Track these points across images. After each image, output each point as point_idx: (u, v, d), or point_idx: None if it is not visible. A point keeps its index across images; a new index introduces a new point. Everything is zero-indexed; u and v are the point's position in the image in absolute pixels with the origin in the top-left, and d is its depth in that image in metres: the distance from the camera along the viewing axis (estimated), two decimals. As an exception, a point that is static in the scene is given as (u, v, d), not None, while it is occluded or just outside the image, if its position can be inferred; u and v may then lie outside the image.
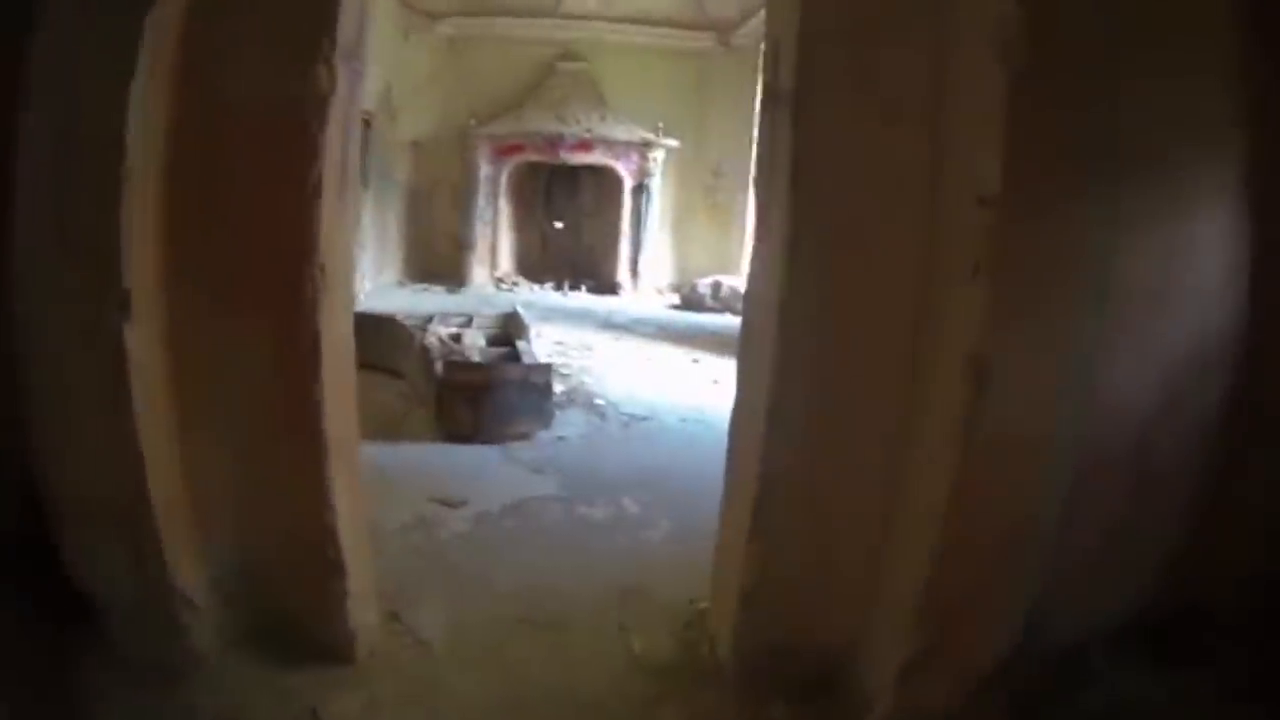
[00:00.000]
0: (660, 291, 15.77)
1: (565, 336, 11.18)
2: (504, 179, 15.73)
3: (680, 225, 16.26)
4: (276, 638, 3.29)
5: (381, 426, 7.18)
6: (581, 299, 15.10)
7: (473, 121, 15.37)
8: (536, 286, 15.77)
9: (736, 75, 15.31)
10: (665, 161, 15.62)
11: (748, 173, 14.74)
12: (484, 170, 15.54)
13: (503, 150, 15.55)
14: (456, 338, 8.68)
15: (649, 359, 10.13)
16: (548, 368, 7.13)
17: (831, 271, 2.96)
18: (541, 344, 10.13)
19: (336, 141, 2.77)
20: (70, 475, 2.90)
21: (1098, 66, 2.57)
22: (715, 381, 9.00)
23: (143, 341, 2.68)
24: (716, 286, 13.90)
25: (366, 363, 8.88)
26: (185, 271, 2.78)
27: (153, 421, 2.76)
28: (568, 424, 7.28)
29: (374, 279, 14.20)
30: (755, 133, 13.62)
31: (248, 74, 2.68)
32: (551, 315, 12.88)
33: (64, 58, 2.60)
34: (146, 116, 2.57)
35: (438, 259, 16.05)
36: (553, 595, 4.40)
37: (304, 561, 3.15)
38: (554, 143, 15.25)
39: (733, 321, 12.77)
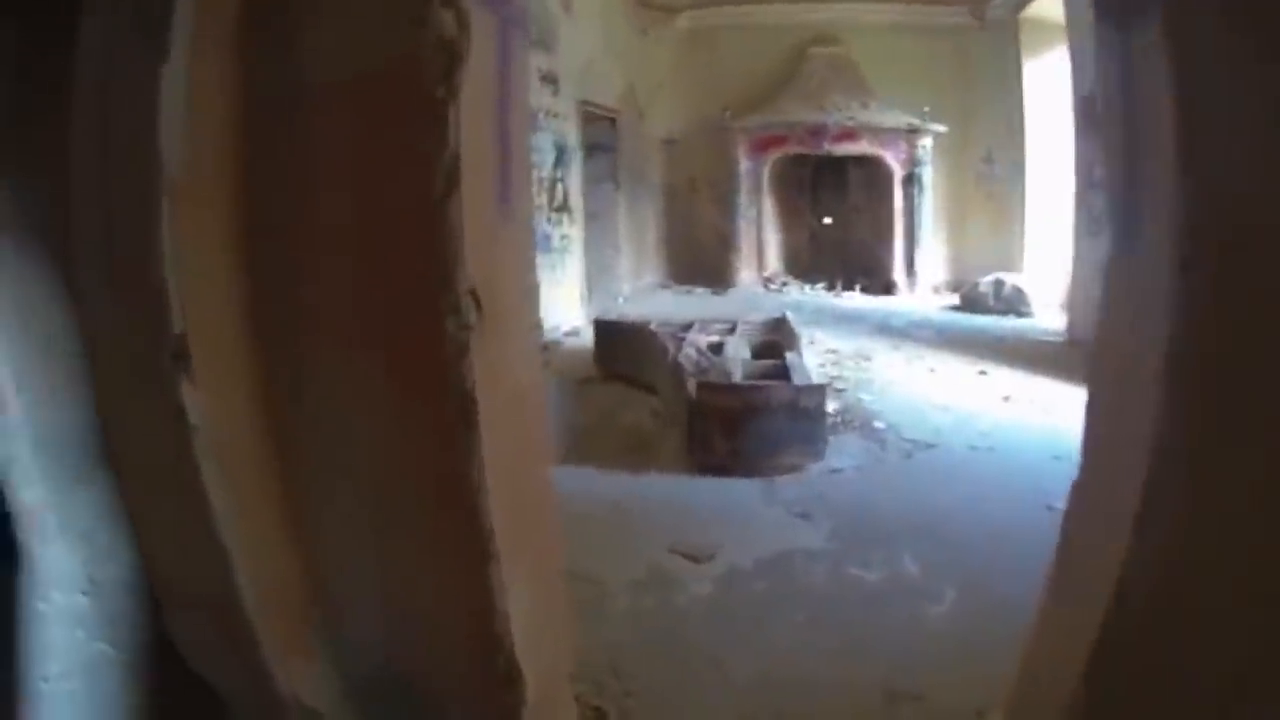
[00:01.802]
0: (936, 290, 14.47)
1: (839, 344, 10.15)
2: (765, 174, 14.89)
3: (953, 218, 14.91)
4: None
5: (628, 451, 6.47)
6: (854, 300, 14.04)
7: (727, 114, 14.57)
8: (806, 287, 14.84)
9: (996, 52, 13.95)
10: (932, 149, 14.27)
11: (1020, 159, 13.35)
12: (743, 165, 14.76)
13: (762, 143, 14.72)
14: (717, 348, 7.82)
15: (931, 370, 8.95)
16: (821, 389, 6.14)
17: (1247, 300, 1.81)
18: (813, 353, 9.16)
19: (483, 120, 1.92)
20: (153, 554, 2.20)
21: None
22: (1006, 399, 7.78)
23: (215, 399, 1.91)
24: (998, 285, 12.47)
25: (618, 375, 8.35)
26: (275, 308, 1.99)
27: (236, 496, 2.00)
28: (842, 453, 6.27)
29: (633, 282, 13.65)
30: (1024, 113, 12.04)
31: (339, 37, 1.85)
32: (823, 318, 11.92)
33: (103, 44, 1.87)
34: (193, 110, 1.80)
35: (701, 260, 15.43)
36: (804, 691, 3.50)
37: (467, 671, 2.31)
38: (816, 133, 14.28)
39: (1017, 325, 11.40)
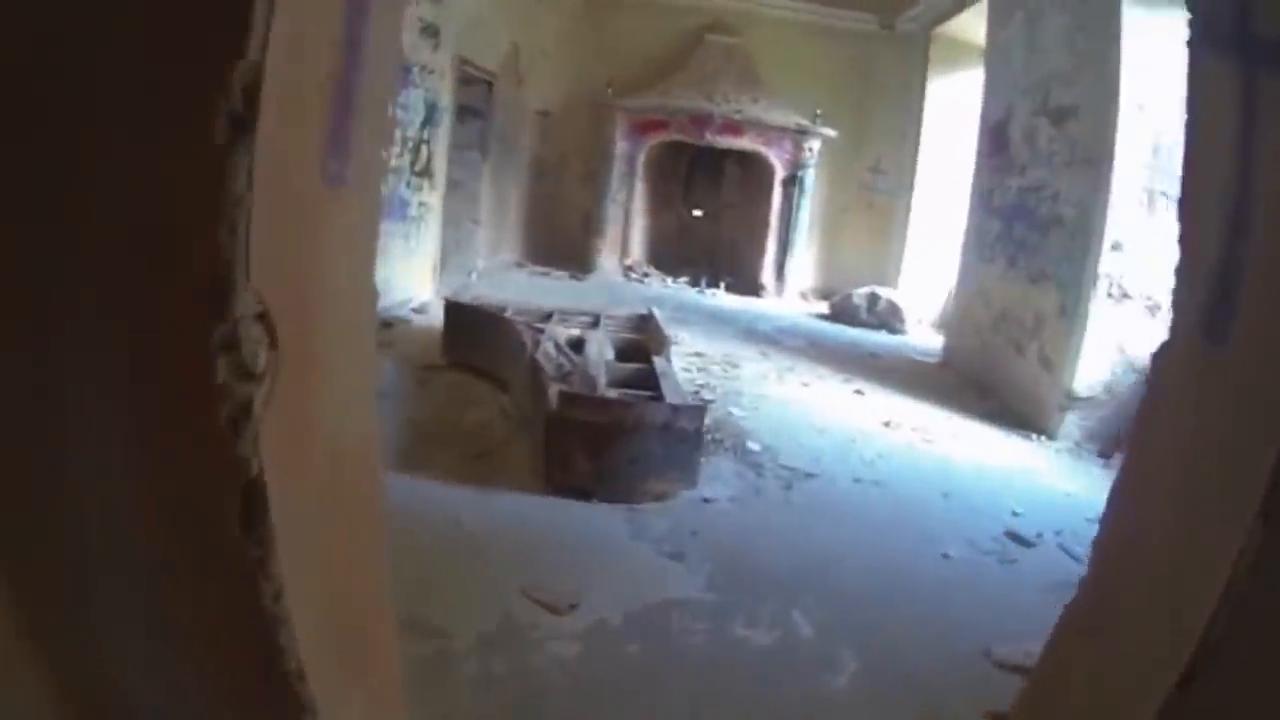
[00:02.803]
0: (804, 296, 14.07)
1: (704, 346, 9.55)
2: (641, 158, 14.18)
3: (830, 225, 14.58)
4: None
5: (473, 458, 5.68)
6: (719, 298, 13.48)
7: (610, 92, 13.81)
8: (670, 279, 14.22)
9: (900, 64, 13.69)
10: (820, 153, 13.81)
11: (909, 173, 13.07)
12: (620, 147, 14.06)
13: (642, 126, 14.04)
14: (578, 345, 7.09)
15: (804, 385, 8.40)
16: (700, 410, 5.46)
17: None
18: (677, 355, 8.50)
19: (315, 41, 1.15)
20: None
21: None
22: (887, 424, 7.28)
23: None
24: (873, 299, 12.10)
25: (466, 365, 7.53)
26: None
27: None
28: (715, 478, 5.62)
29: (489, 258, 12.81)
30: (921, 129, 11.72)
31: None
32: (686, 316, 11.32)
33: None
34: None
35: (562, 240, 14.73)
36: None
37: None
38: (700, 122, 13.68)
39: (890, 341, 11.03)
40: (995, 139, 9.19)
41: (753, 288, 13.96)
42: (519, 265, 14.20)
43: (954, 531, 5.25)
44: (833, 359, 9.62)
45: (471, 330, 7.62)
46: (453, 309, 7.86)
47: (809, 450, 6.40)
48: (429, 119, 9.42)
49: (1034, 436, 7.25)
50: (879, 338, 11.35)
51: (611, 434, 5.02)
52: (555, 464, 5.18)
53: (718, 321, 11.34)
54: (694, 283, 14.05)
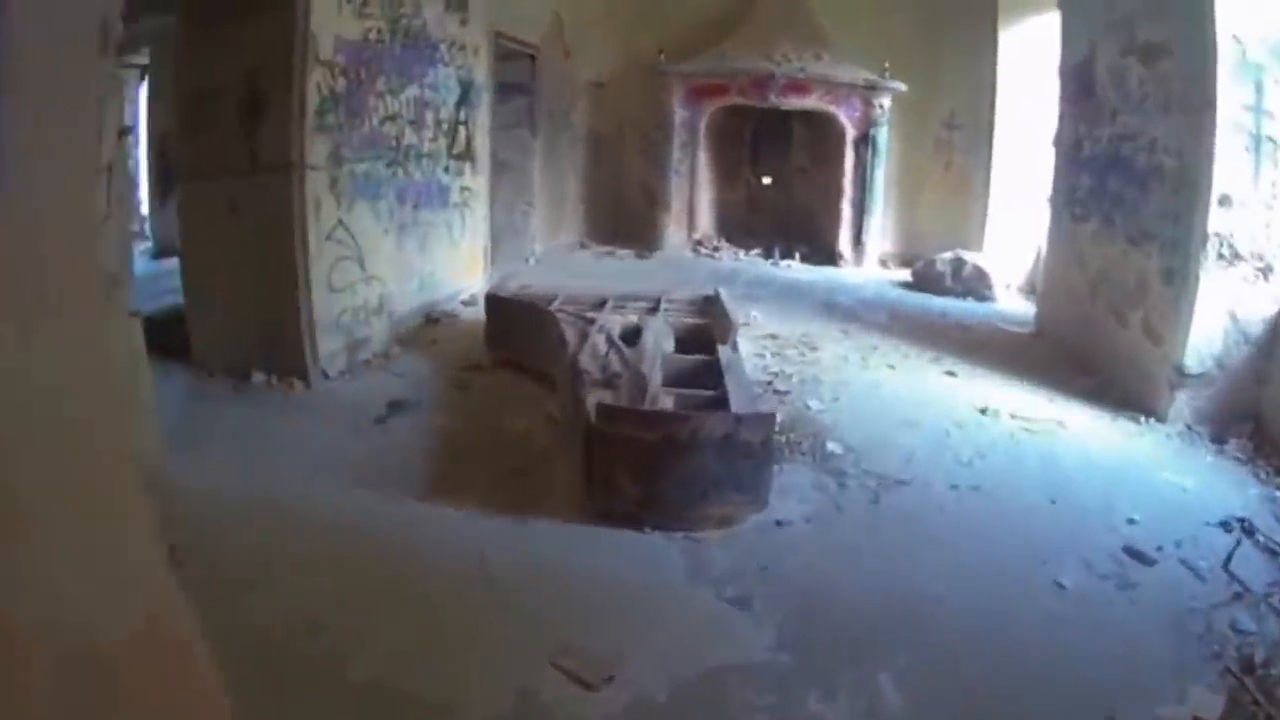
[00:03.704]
0: (884, 264, 13.06)
1: (779, 326, 8.68)
2: (702, 126, 13.27)
3: (907, 186, 13.45)
4: None
5: (512, 475, 4.97)
6: (794, 270, 12.53)
7: (663, 58, 12.96)
8: (741, 253, 13.34)
9: (970, 10, 12.35)
10: (890, 110, 12.76)
11: (987, 126, 11.95)
12: (679, 115, 13.17)
13: (700, 92, 13.11)
14: (632, 337, 6.30)
15: (890, 367, 7.51)
16: (769, 420, 4.59)
17: None
18: (748, 338, 7.74)
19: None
20: None
21: None
22: (984, 411, 6.38)
23: None
24: (958, 264, 11.05)
25: (512, 363, 6.80)
26: None
27: None
28: (789, 492, 4.82)
29: (547, 241, 12.10)
30: (997, 78, 10.60)
31: None
32: (760, 291, 10.49)
33: None
34: None
35: (626, 218, 13.98)
36: None
37: None
38: (761, 83, 12.68)
39: (978, 310, 10.13)
40: (1078, 83, 8.14)
41: (829, 256, 12.99)
42: (582, 246, 13.44)
43: (1066, 548, 4.40)
44: (919, 334, 8.68)
45: (515, 325, 6.88)
46: (494, 301, 7.12)
47: (898, 450, 5.55)
48: (464, 98, 8.67)
49: (1142, 419, 6.29)
50: (966, 306, 10.32)
51: (661, 452, 4.24)
52: (597, 488, 4.42)
53: (793, 296, 10.46)
54: (767, 254, 13.12)
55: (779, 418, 5.86)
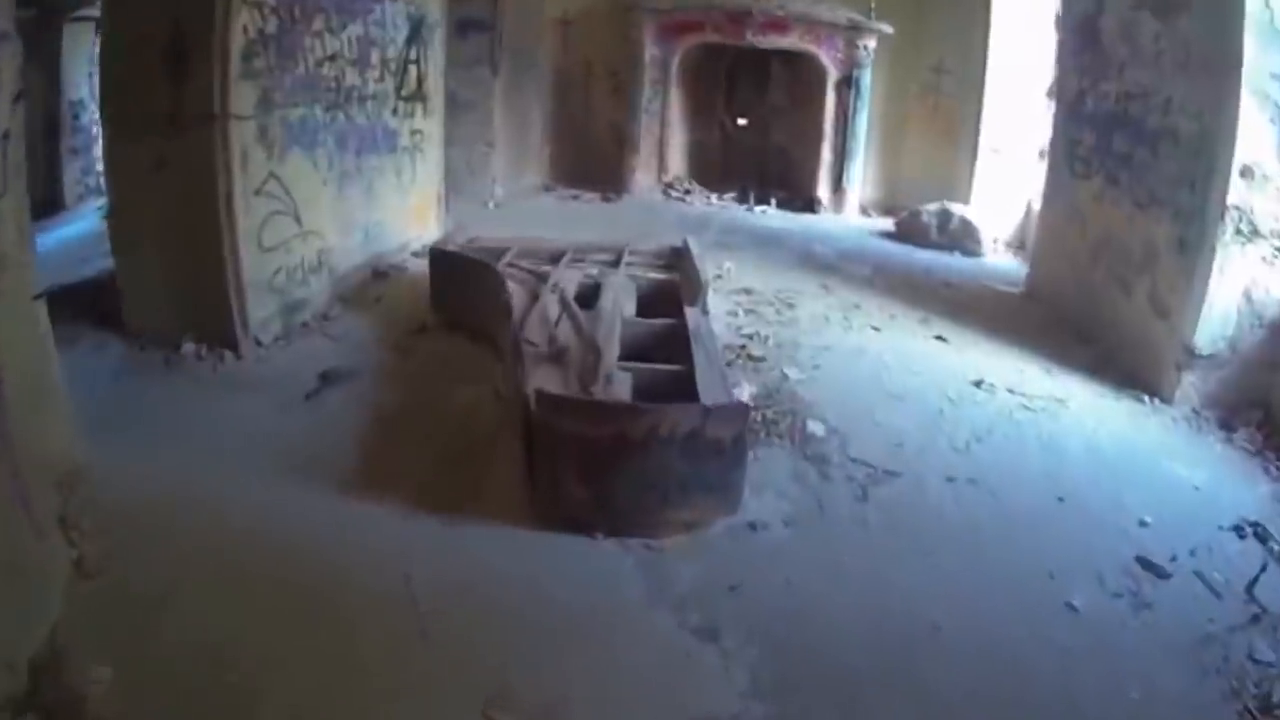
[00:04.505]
0: (865, 211, 12.42)
1: (755, 279, 8.07)
2: (674, 64, 12.51)
3: (890, 132, 12.77)
4: None
5: (449, 463, 4.41)
6: (770, 216, 11.88)
7: (635, -8, 12.20)
8: (714, 197, 12.65)
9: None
10: (875, 52, 12.06)
11: (977, 74, 11.23)
12: (650, 52, 12.42)
13: (673, 28, 12.37)
14: (590, 296, 5.72)
15: (875, 329, 6.92)
16: (741, 412, 3.98)
17: None
18: (722, 294, 7.20)
19: None
20: None
21: None
22: (978, 385, 5.83)
23: None
24: (945, 216, 10.41)
25: (459, 325, 6.19)
26: None
27: None
28: (766, 484, 4.26)
29: (509, 183, 11.45)
30: (990, 21, 9.91)
31: None
32: (733, 240, 9.88)
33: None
34: None
35: (593, 159, 13.24)
36: None
37: None
38: (739, 20, 11.99)
39: (965, 265, 9.61)
40: (1082, 34, 7.51)
41: (807, 203, 12.33)
42: (546, 189, 12.75)
43: (1076, 559, 3.92)
44: (905, 291, 8.09)
45: (461, 283, 6.25)
46: (439, 258, 6.48)
47: (887, 431, 4.98)
48: (415, 35, 7.95)
49: (1146, 399, 5.78)
50: (952, 261, 9.71)
51: (614, 451, 3.65)
52: (542, 488, 3.83)
53: (769, 245, 9.85)
54: (742, 199, 12.48)
55: (752, 390, 5.31)
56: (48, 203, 9.32)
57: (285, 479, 4.28)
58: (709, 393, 4.05)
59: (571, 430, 3.64)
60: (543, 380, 4.06)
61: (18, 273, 3.76)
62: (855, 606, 3.44)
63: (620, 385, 4.30)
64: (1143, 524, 4.24)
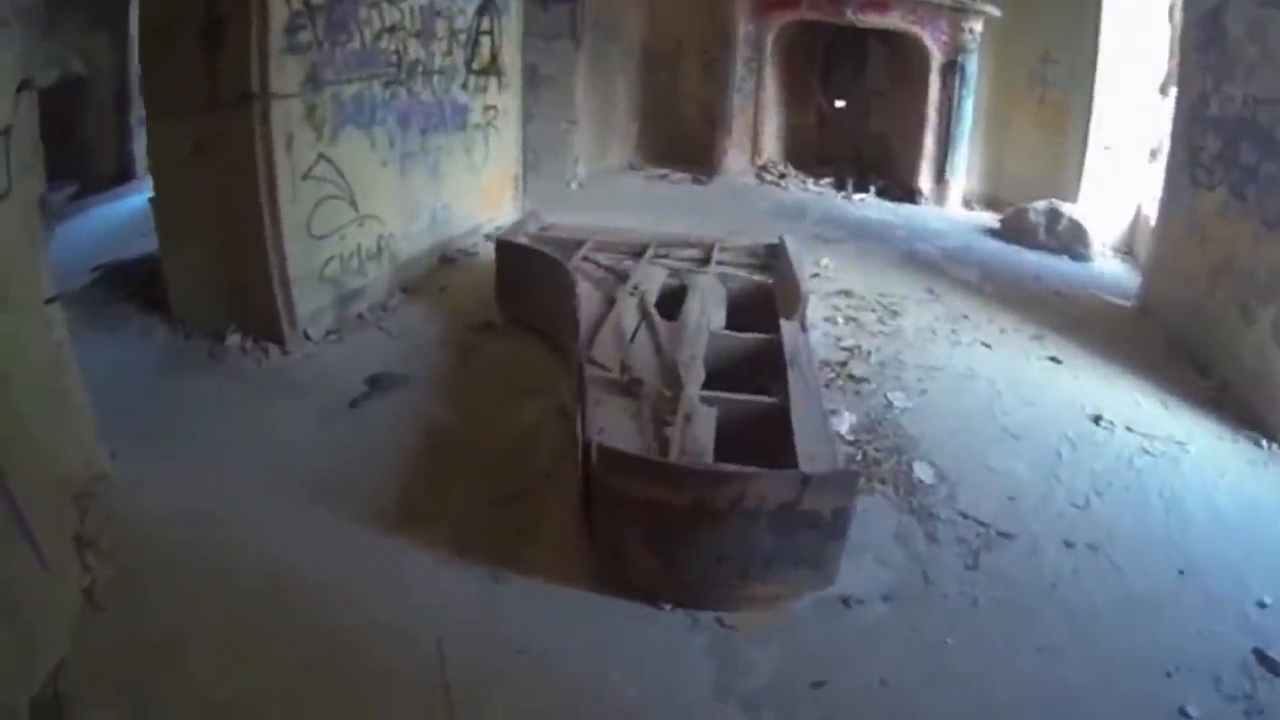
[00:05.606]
0: (969, 204, 11.61)
1: (855, 280, 7.42)
2: (769, 41, 11.81)
3: (995, 122, 11.86)
4: None
5: (503, 502, 3.92)
6: (869, 206, 11.15)
7: (725, -35, 11.56)
8: (810, 182, 11.94)
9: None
10: (981, 36, 11.24)
11: (1088, 65, 10.29)
12: (743, 29, 11.72)
13: (769, 5, 11.66)
14: (673, 299, 5.16)
15: (986, 346, 6.23)
16: (849, 482, 3.26)
17: None
18: (819, 292, 6.69)
19: None
20: None
21: None
22: (1097, 421, 5.14)
23: None
24: (1054, 216, 9.56)
25: (526, 324, 5.70)
26: None
27: None
28: (864, 545, 3.64)
29: (592, 162, 10.97)
30: (1101, 9, 8.97)
31: None
32: (831, 232, 9.19)
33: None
34: None
35: (683, 137, 12.63)
36: None
37: None
38: (838, -3, 11.24)
39: (1074, 271, 8.82)
40: (1205, 29, 6.70)
41: (908, 193, 11.58)
42: (631, 168, 12.20)
43: (1192, 652, 3.34)
44: (1015, 302, 7.35)
45: (529, 281, 5.71)
46: (506, 251, 5.92)
47: (1001, 478, 4.34)
48: (487, 5, 7.41)
49: (1264, 443, 5.08)
50: (1062, 267, 8.89)
51: (690, 521, 3.05)
52: (603, 550, 3.26)
53: (870, 239, 9.18)
54: (838, 186, 11.76)
55: (853, 421, 4.70)
56: (119, 173, 9.03)
57: (317, 504, 3.88)
58: (807, 440, 3.44)
59: (639, 495, 3.05)
60: (609, 419, 3.50)
61: (26, 279, 3.39)
62: (954, 716, 2.85)
63: (702, 423, 3.70)
64: (1261, 605, 3.62)
